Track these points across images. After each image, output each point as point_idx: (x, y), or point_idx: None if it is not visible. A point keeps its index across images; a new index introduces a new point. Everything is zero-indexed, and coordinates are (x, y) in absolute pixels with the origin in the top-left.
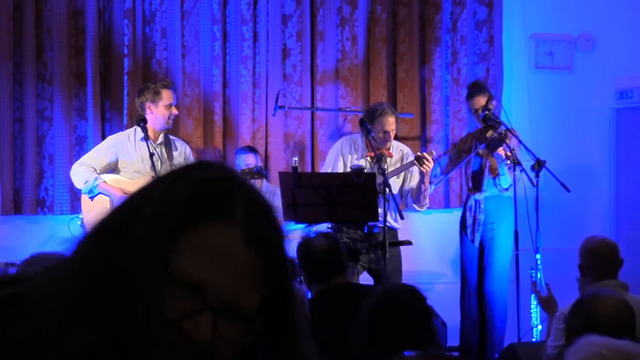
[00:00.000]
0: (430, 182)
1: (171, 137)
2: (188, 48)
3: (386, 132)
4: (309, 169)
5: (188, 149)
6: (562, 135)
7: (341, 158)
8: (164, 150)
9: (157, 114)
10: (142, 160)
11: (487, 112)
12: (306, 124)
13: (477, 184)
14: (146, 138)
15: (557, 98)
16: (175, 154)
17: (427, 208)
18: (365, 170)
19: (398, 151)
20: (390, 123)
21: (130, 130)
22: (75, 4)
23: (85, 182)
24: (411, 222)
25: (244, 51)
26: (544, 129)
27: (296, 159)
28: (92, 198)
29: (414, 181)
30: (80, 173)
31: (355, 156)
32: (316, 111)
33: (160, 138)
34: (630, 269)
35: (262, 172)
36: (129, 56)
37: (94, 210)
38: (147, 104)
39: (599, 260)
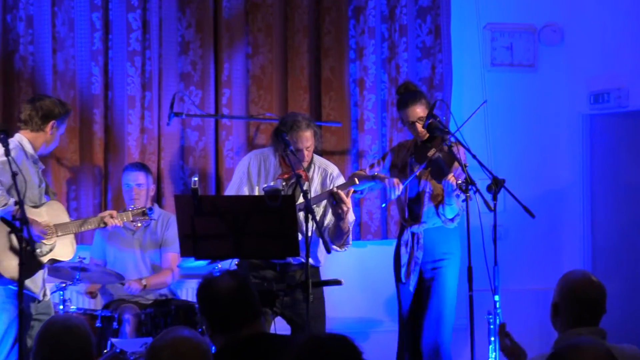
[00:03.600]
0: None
1: None
2: (60, 41)
3: (299, 151)
4: (212, 192)
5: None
6: (525, 148)
7: (247, 181)
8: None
9: (55, 136)
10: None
11: (432, 121)
12: (209, 135)
13: (414, 214)
14: (7, 154)
15: (519, 102)
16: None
17: (360, 240)
18: (281, 189)
19: (320, 171)
20: (305, 139)
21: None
22: None
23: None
24: (338, 257)
25: (131, 44)
26: (503, 140)
27: (196, 179)
28: None
29: (331, 217)
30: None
31: (266, 178)
32: (221, 119)
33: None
34: (608, 311)
35: (147, 214)
36: None
37: None
38: (54, 123)
39: (580, 302)
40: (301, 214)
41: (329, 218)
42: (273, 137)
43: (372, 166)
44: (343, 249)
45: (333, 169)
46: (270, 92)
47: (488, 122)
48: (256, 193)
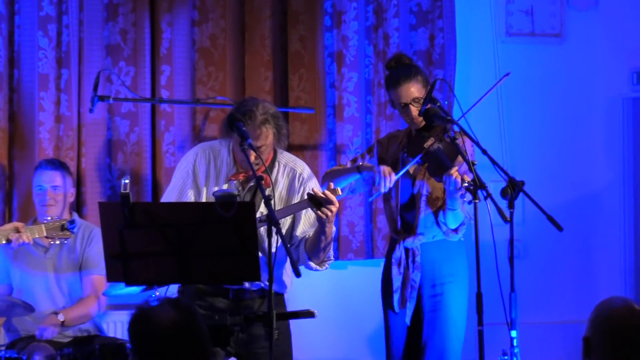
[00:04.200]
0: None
1: None
2: None
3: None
4: (148, 198)
5: None
6: (550, 141)
7: (193, 184)
8: None
9: None
10: None
11: (430, 106)
12: (144, 125)
13: (407, 224)
14: None
15: (541, 82)
16: None
17: (338, 259)
18: (238, 198)
19: (286, 171)
20: (258, 137)
21: None
22: None
23: None
24: (310, 281)
25: (43, 8)
26: (521, 131)
27: (127, 181)
28: None
29: (307, 225)
30: None
31: (217, 179)
32: (160, 104)
33: None
34: None
35: (68, 229)
36: None
37: None
38: None
39: (619, 338)
40: (263, 227)
41: (302, 229)
42: (225, 127)
43: (354, 161)
44: (324, 267)
45: (303, 168)
46: (223, 69)
47: (502, 108)
48: (204, 199)
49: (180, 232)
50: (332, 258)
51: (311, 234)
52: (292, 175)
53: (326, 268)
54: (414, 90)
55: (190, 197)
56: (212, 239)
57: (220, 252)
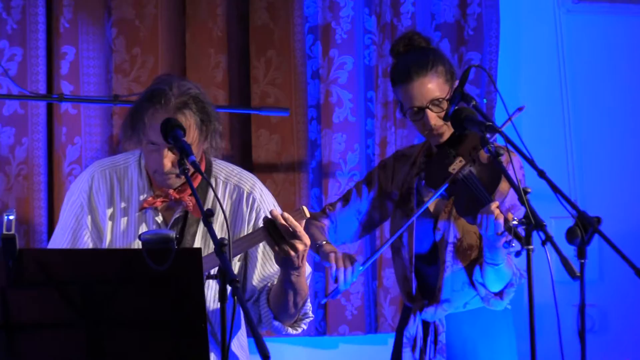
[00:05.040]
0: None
1: None
2: None
3: (152, 147)
4: (42, 242)
5: None
6: (635, 154)
7: (90, 221)
8: None
9: None
10: None
11: (461, 107)
12: (36, 134)
13: (426, 286)
14: None
15: (623, 67)
16: None
17: (325, 334)
18: (174, 237)
19: (228, 190)
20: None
21: None
22: None
23: None
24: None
25: None
26: (595, 139)
27: (12, 217)
28: None
29: (269, 268)
30: None
31: (126, 212)
32: (60, 103)
33: None
34: None
35: None
36: None
37: None
38: None
39: None
40: (210, 283)
41: (260, 275)
42: (126, 129)
43: (346, 198)
44: (298, 329)
45: (253, 184)
46: (154, 51)
47: (568, 105)
48: (107, 243)
49: (90, 293)
50: (311, 314)
51: (275, 281)
52: (237, 195)
53: (303, 329)
54: (431, 87)
55: (87, 242)
56: (136, 303)
57: (149, 324)
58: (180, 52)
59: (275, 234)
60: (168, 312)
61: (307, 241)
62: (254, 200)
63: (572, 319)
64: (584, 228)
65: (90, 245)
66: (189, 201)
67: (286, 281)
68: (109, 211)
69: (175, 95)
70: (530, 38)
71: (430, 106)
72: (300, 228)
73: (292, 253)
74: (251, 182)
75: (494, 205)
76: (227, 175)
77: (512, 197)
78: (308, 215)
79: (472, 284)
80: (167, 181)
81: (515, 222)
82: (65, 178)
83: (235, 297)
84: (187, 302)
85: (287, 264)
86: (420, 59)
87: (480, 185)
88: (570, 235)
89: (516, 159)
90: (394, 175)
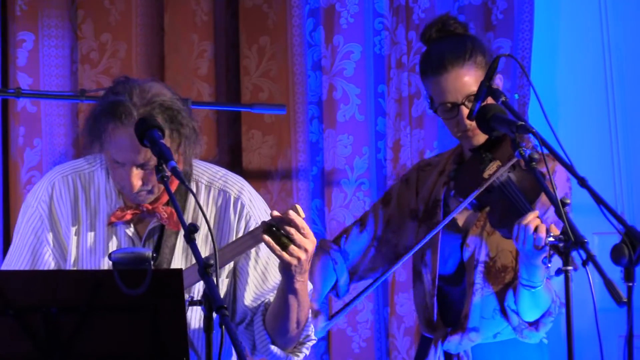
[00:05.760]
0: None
1: None
2: None
3: (117, 164)
4: None
5: None
6: None
7: (51, 238)
8: None
9: None
10: None
11: (490, 104)
12: None
13: (450, 311)
14: None
15: None
16: None
17: None
18: (150, 256)
19: (212, 195)
20: (125, 149)
21: None
22: None
23: None
24: None
25: None
26: None
27: None
28: None
29: (261, 285)
30: None
31: (92, 226)
32: (17, 99)
33: None
34: None
35: None
36: None
37: None
38: None
39: None
40: (193, 310)
41: (253, 293)
42: (86, 139)
43: (362, 222)
44: (299, 355)
45: (241, 187)
46: (127, 37)
47: (614, 102)
48: (71, 262)
49: (54, 322)
50: (314, 337)
51: (271, 299)
52: (222, 201)
53: (305, 354)
54: (468, 80)
55: (49, 261)
56: (108, 334)
57: (123, 359)
58: (158, 38)
59: (274, 237)
60: (145, 343)
61: (314, 239)
62: (242, 206)
63: (617, 352)
64: (632, 246)
65: (53, 265)
66: (164, 212)
67: (289, 289)
68: (73, 225)
69: (137, 105)
70: (570, 23)
71: (465, 102)
72: (307, 228)
73: (303, 257)
74: (239, 186)
75: (533, 215)
76: (210, 178)
77: (550, 209)
78: (303, 215)
79: (503, 312)
80: (137, 198)
81: (551, 239)
82: (23, 187)
83: (223, 327)
84: (167, 331)
85: (289, 272)
86: (456, 48)
87: (520, 193)
88: (616, 253)
89: (559, 170)
90: (418, 187)
